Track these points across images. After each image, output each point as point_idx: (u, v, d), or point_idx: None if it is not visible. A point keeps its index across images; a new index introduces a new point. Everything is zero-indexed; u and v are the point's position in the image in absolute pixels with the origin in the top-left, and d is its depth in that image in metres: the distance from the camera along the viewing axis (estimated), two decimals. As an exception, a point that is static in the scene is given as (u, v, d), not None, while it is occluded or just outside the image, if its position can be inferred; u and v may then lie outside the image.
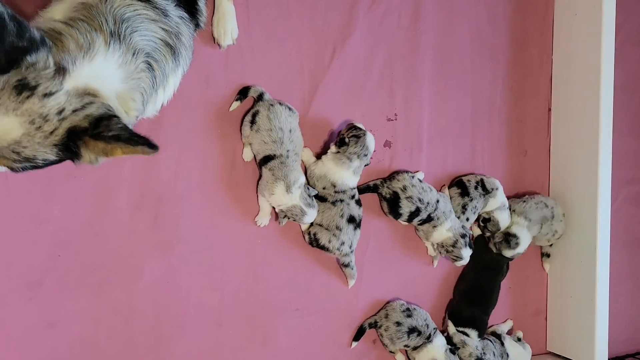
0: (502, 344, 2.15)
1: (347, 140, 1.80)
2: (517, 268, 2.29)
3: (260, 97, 1.74)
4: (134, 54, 1.17)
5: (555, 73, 2.33)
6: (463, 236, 1.96)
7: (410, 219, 1.94)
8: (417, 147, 2.07)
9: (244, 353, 1.83)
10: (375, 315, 2.00)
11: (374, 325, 1.98)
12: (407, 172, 1.96)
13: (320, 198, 1.83)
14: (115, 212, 1.64)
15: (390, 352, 2.00)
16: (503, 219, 2.12)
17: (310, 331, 1.93)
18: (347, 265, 1.90)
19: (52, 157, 1.11)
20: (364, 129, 1.83)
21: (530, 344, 2.26)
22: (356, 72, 1.96)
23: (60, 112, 1.07)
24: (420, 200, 1.91)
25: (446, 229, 1.96)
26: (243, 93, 1.75)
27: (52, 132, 1.08)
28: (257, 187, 1.80)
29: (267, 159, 1.71)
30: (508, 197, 2.19)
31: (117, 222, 1.64)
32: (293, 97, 1.84)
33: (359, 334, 1.98)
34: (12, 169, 1.12)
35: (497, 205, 2.11)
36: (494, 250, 2.17)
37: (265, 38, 1.82)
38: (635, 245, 2.55)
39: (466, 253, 1.97)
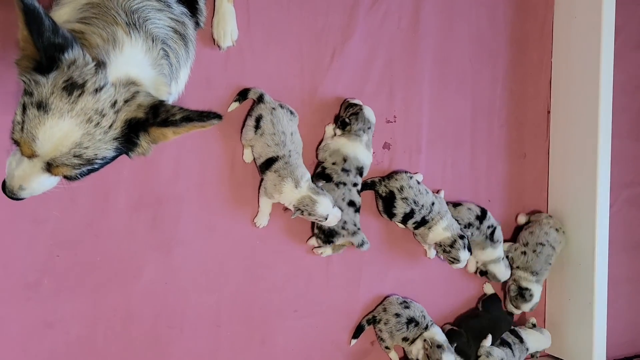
0: (521, 339, 2.16)
1: (347, 120, 1.84)
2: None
3: (260, 98, 1.74)
4: (153, 40, 1.17)
5: (554, 76, 2.34)
6: (462, 237, 1.96)
7: (405, 220, 1.94)
8: (416, 149, 2.07)
9: (242, 354, 1.83)
10: (372, 311, 2.00)
11: (372, 321, 1.98)
12: (406, 172, 1.97)
13: (326, 177, 1.83)
14: (114, 212, 1.64)
15: (386, 348, 1.99)
16: (500, 272, 2.12)
17: (309, 332, 1.93)
18: (362, 245, 1.87)
19: (112, 153, 1.11)
20: (359, 103, 1.86)
21: (529, 346, 2.26)
22: (356, 74, 1.96)
23: (113, 104, 1.07)
24: (415, 202, 1.91)
25: (442, 228, 1.95)
26: (242, 94, 1.76)
27: (110, 126, 1.08)
28: (258, 189, 1.80)
29: (270, 162, 1.71)
30: (504, 220, 2.24)
31: (115, 222, 1.64)
32: (293, 98, 1.84)
33: (357, 332, 1.98)
34: (69, 178, 1.13)
35: (496, 256, 2.11)
36: (513, 307, 2.20)
37: (265, 39, 1.82)
38: (634, 249, 2.55)
39: (464, 255, 1.96)
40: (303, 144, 1.80)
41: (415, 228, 1.97)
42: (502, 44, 2.25)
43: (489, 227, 2.08)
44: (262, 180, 1.78)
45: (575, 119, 2.24)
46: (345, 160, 1.83)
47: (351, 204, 1.83)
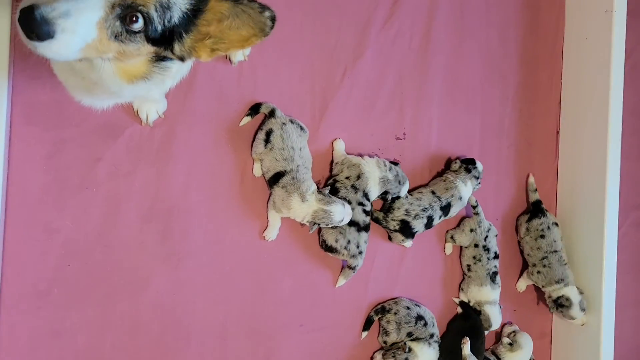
0: None
1: (391, 161, 1.95)
2: (523, 290, 2.29)
3: (271, 113, 1.76)
4: None
5: (564, 97, 2.35)
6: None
7: (429, 226, 1.97)
8: (425, 167, 2.08)
9: (247, 368, 1.84)
10: (382, 303, 2.00)
11: (381, 311, 1.97)
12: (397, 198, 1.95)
13: (333, 191, 1.84)
14: (124, 224, 1.66)
15: (384, 343, 1.98)
16: (494, 315, 2.10)
17: (314, 347, 1.93)
18: (351, 268, 1.89)
19: (181, 14, 1.05)
20: (398, 165, 1.97)
21: (535, 367, 2.25)
22: (367, 91, 1.98)
23: None
24: (424, 209, 1.93)
25: (464, 185, 2.01)
26: (254, 109, 1.78)
27: None
28: (267, 203, 1.81)
29: (278, 176, 1.73)
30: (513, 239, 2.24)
31: (126, 233, 1.66)
32: (304, 114, 1.86)
33: (367, 324, 1.98)
34: (145, 16, 1.00)
35: (492, 298, 2.10)
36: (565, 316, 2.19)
37: (278, 55, 1.85)
38: (642, 271, 2.54)
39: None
40: (312, 159, 1.82)
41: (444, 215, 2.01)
42: (512, 64, 2.26)
43: (495, 267, 2.09)
44: (270, 194, 1.80)
45: (585, 140, 2.25)
46: (359, 177, 1.84)
47: (353, 223, 1.83)
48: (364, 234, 1.86)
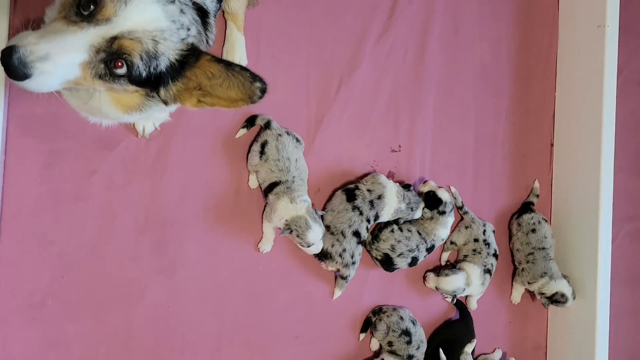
0: None
1: (411, 188, 1.99)
2: (518, 303, 2.29)
3: (267, 125, 1.77)
4: None
5: (558, 110, 2.37)
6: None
7: (413, 264, 1.97)
8: (419, 179, 2.09)
9: (241, 380, 1.83)
10: (383, 305, 2.01)
11: (378, 312, 1.97)
12: (387, 224, 1.94)
13: (350, 196, 1.85)
14: (119, 235, 1.66)
15: (373, 337, 1.99)
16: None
17: (309, 359, 1.93)
18: (344, 278, 1.89)
19: (168, 63, 1.09)
20: (411, 189, 1.99)
21: (529, 379, 2.25)
22: (362, 104, 1.99)
23: (188, 29, 1.10)
24: (411, 250, 1.93)
25: (443, 236, 2.02)
26: (250, 121, 1.79)
27: (182, 40, 1.09)
28: (262, 214, 1.82)
29: (273, 186, 1.74)
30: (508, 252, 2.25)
31: (121, 245, 1.66)
32: (299, 126, 1.87)
33: (365, 326, 1.98)
34: (129, 64, 1.04)
35: (476, 292, 2.10)
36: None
37: (274, 68, 1.86)
38: (636, 282, 2.55)
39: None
40: (308, 171, 1.83)
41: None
42: (506, 78, 2.28)
43: (491, 265, 2.11)
44: (265, 205, 1.80)
45: (578, 153, 2.26)
46: (379, 197, 1.86)
47: (356, 234, 1.84)
48: (360, 248, 1.87)
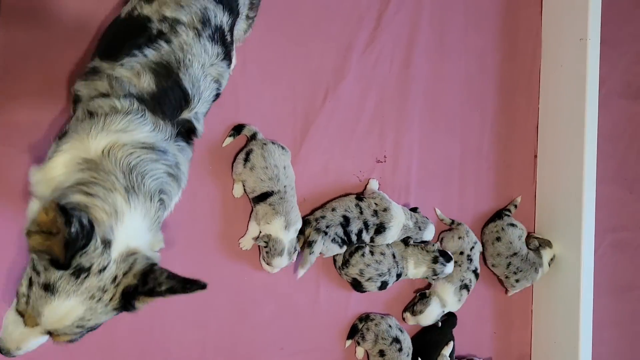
0: None
1: (418, 210, 2.04)
2: (502, 313, 2.30)
3: (253, 136, 1.77)
4: (150, 198, 1.18)
5: (541, 121, 2.39)
6: (435, 260, 1.99)
7: (383, 288, 1.95)
8: (405, 190, 2.10)
9: (226, 392, 1.81)
10: (370, 313, 2.00)
11: (365, 319, 1.96)
12: (358, 248, 1.92)
13: (358, 197, 1.91)
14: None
15: (357, 344, 1.98)
16: (434, 310, 2.07)
17: (294, 371, 1.91)
18: (309, 245, 1.81)
19: (110, 318, 1.16)
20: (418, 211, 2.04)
21: (514, 389, 2.26)
22: (348, 114, 2.00)
23: (114, 279, 1.11)
24: (381, 274, 1.92)
25: (413, 268, 2.00)
26: (237, 130, 1.78)
27: (111, 299, 1.12)
28: (249, 217, 1.81)
29: (265, 196, 1.73)
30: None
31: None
32: (285, 136, 1.87)
33: (352, 333, 1.97)
34: (70, 341, 1.18)
35: (450, 300, 2.09)
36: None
37: (260, 78, 1.86)
38: (619, 292, 2.57)
39: (449, 268, 2.00)
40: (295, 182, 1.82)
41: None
42: (491, 89, 2.31)
43: (470, 281, 2.10)
44: (252, 209, 1.80)
45: (562, 164, 2.29)
46: (385, 210, 1.90)
47: (345, 218, 1.85)
48: (340, 230, 1.84)
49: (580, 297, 2.17)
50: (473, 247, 2.11)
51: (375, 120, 2.05)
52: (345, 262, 1.92)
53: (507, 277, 2.21)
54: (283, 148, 1.80)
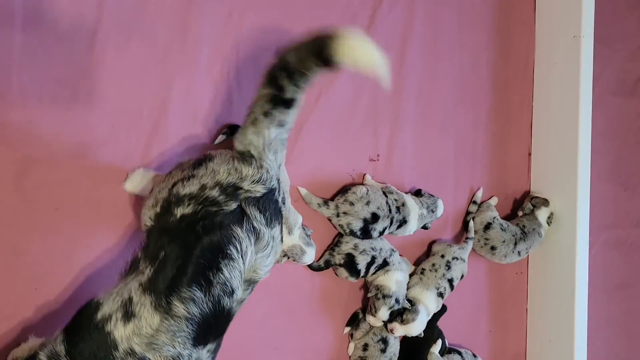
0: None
1: (423, 192, 2.06)
2: (497, 311, 2.30)
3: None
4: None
5: (535, 119, 2.39)
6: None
7: (367, 269, 1.91)
8: (398, 188, 2.08)
9: (220, 392, 1.80)
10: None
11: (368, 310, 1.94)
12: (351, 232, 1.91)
13: (384, 194, 1.93)
14: (95, 247, 1.62)
15: (351, 336, 1.98)
16: (422, 318, 2.00)
17: (288, 371, 1.91)
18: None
19: None
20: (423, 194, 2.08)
21: (509, 388, 2.26)
22: (341, 113, 1.99)
23: None
24: (373, 248, 1.91)
25: (395, 279, 1.94)
26: (232, 129, 1.77)
27: None
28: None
29: None
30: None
31: (97, 257, 1.63)
32: (278, 135, 1.86)
33: (352, 320, 1.97)
34: None
35: (431, 307, 2.04)
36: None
37: (253, 77, 1.84)
38: (614, 290, 2.58)
39: (384, 314, 1.92)
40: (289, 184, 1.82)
41: (375, 272, 1.94)
42: (485, 87, 2.31)
43: (444, 289, 2.06)
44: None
45: (555, 162, 2.29)
46: (404, 205, 1.95)
47: (374, 216, 1.88)
48: (359, 224, 1.87)
49: (575, 296, 2.17)
50: (457, 259, 2.07)
51: (368, 118, 2.04)
52: (337, 243, 1.91)
53: (519, 255, 2.21)
54: (277, 149, 1.79)
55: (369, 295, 1.95)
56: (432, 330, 2.07)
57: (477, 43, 2.29)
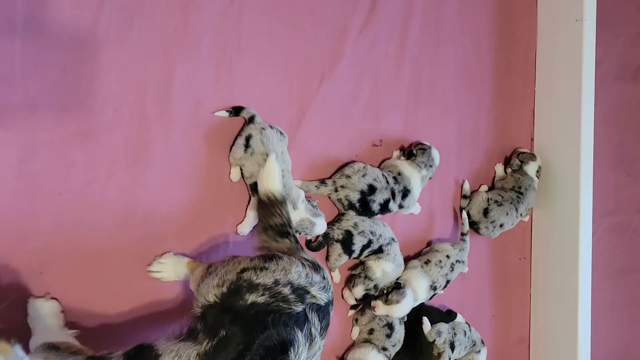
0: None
1: (414, 151, 2.03)
2: (501, 296, 2.31)
3: (251, 119, 1.76)
4: None
5: (537, 105, 2.39)
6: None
7: (361, 252, 1.90)
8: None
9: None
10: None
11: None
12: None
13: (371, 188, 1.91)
14: (100, 231, 1.63)
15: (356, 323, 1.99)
16: (408, 299, 1.96)
17: None
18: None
19: None
20: (428, 144, 2.05)
21: (513, 372, 2.26)
22: (343, 98, 1.99)
23: None
24: (372, 232, 1.90)
25: (390, 268, 1.94)
26: (236, 110, 1.77)
27: None
28: (245, 209, 1.81)
29: None
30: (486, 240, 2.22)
31: (101, 241, 1.63)
32: (281, 120, 1.86)
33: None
34: None
35: (422, 295, 2.02)
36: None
37: (255, 62, 1.85)
38: (617, 276, 2.58)
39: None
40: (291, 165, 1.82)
41: (368, 256, 1.93)
42: (487, 73, 2.30)
43: (438, 287, 2.05)
44: (251, 198, 1.79)
45: (558, 147, 2.29)
46: (400, 174, 1.96)
47: (370, 187, 1.89)
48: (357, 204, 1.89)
49: (579, 281, 2.18)
50: (460, 262, 2.08)
51: (371, 103, 2.04)
52: (338, 219, 1.91)
53: (521, 216, 2.24)
54: (281, 133, 1.79)
55: (354, 272, 1.96)
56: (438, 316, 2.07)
57: (479, 28, 2.29)
